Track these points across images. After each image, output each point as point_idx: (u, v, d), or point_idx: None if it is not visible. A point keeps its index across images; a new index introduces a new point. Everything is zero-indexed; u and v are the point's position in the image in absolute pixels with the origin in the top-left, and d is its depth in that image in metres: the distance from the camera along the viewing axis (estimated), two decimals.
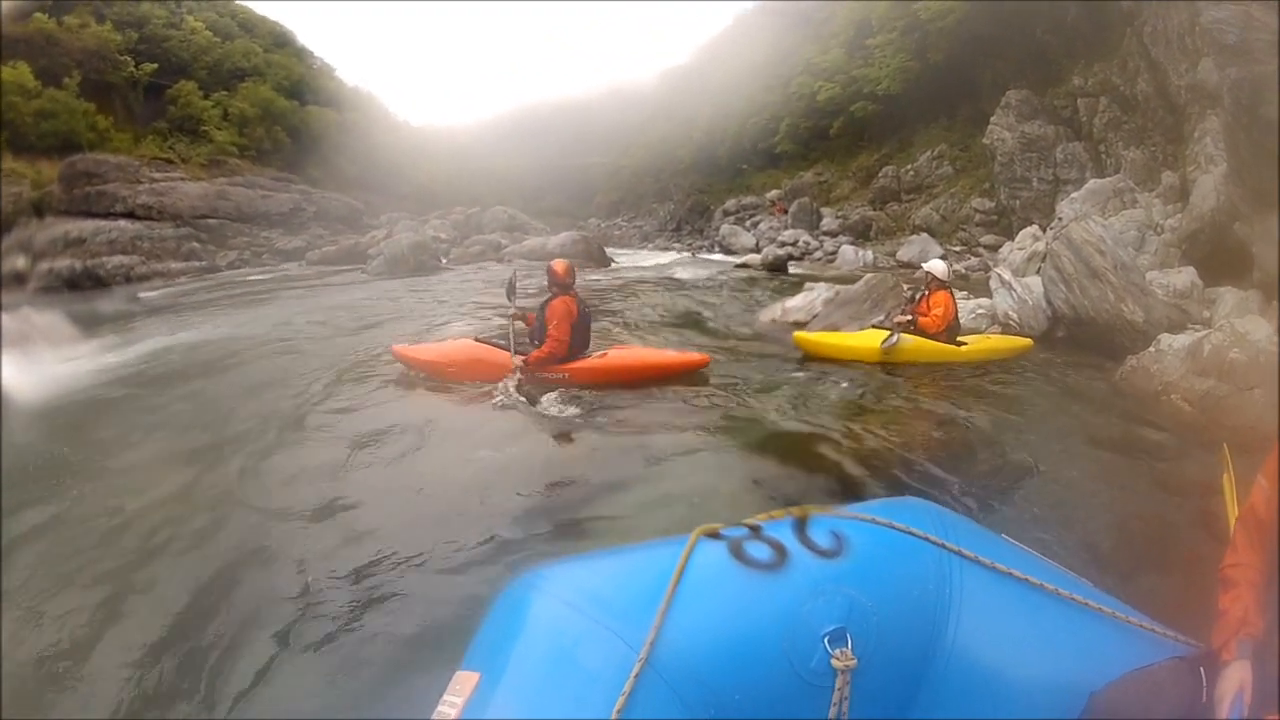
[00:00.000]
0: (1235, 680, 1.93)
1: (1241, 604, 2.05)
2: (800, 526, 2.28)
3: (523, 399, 7.60)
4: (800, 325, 12.07)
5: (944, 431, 7.08)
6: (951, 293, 10.09)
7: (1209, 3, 10.74)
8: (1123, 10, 21.32)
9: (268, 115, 43.07)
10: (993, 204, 29.50)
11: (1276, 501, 2.12)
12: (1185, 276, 12.12)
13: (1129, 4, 20.70)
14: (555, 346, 7.97)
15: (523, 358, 7.96)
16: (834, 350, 9.98)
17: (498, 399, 7.60)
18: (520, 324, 8.30)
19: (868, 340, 9.78)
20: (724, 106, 56.84)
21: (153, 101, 38.87)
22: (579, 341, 8.31)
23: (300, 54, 54.33)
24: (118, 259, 27.26)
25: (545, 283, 8.60)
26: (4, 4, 29.60)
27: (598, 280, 20.92)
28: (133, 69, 37.63)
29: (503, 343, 8.37)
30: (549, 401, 7.64)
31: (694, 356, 8.90)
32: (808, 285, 14.77)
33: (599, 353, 8.53)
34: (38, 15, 33.48)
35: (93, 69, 35.14)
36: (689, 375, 8.67)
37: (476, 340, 8.76)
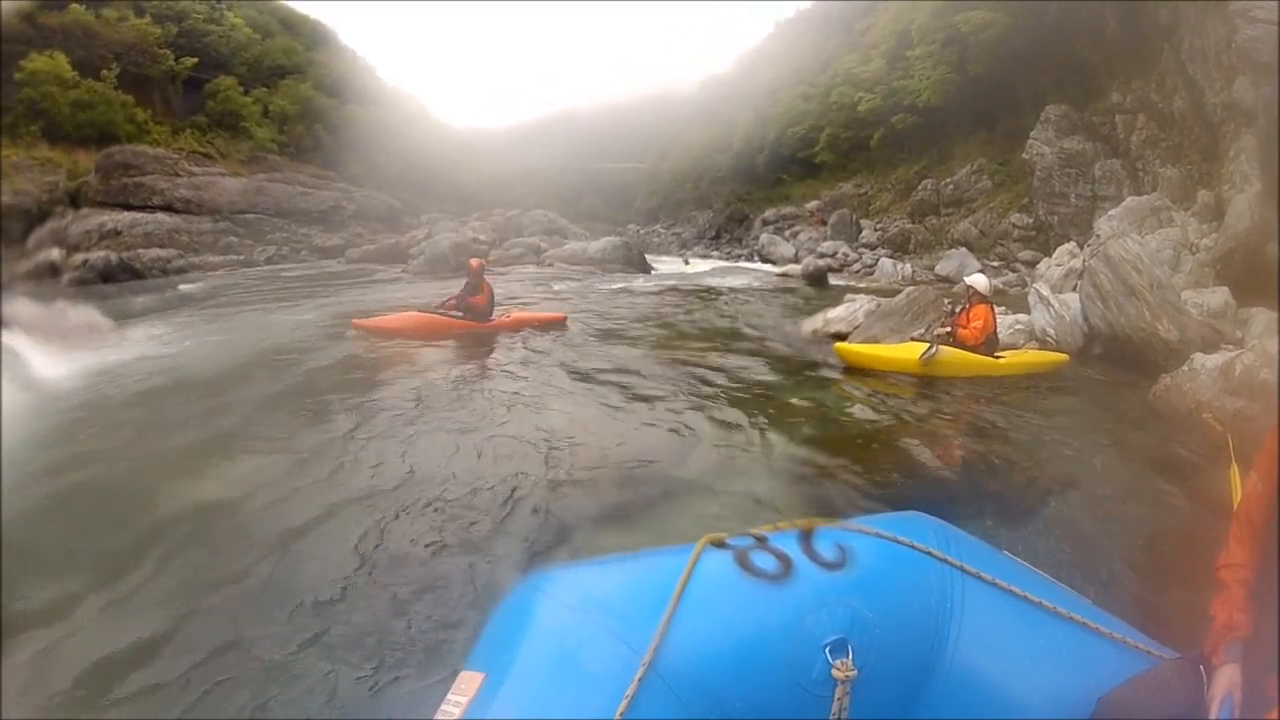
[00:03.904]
0: (1224, 685, 1.95)
1: (1229, 608, 2.06)
2: (806, 538, 2.29)
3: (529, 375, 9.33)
4: (842, 335, 12.21)
5: (977, 444, 7.15)
6: (992, 307, 10.20)
7: (1245, 20, 10.66)
8: (1161, 26, 21.20)
9: (308, 113, 43.26)
10: (1031, 219, 29.35)
11: (1268, 496, 2.12)
12: (1219, 296, 12.07)
13: (1167, 20, 20.57)
14: (471, 309, 12.21)
15: (453, 306, 12.32)
16: (875, 362, 10.04)
17: (473, 368, 9.69)
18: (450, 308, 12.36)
19: (908, 352, 9.84)
20: (763, 115, 56.69)
21: (191, 96, 39.12)
22: (490, 309, 12.48)
23: (341, 52, 54.60)
24: (154, 252, 27.56)
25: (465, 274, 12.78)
26: (4, 3, 29.92)
27: (644, 286, 21.06)
28: (172, 63, 37.86)
29: (440, 314, 12.20)
30: (559, 386, 8.66)
31: (557, 315, 13.97)
32: (848, 297, 15.04)
33: (501, 312, 12.89)
34: (74, 7, 33.71)
35: (131, 62, 35.43)
36: (558, 326, 13.17)
37: (420, 311, 12.39)
